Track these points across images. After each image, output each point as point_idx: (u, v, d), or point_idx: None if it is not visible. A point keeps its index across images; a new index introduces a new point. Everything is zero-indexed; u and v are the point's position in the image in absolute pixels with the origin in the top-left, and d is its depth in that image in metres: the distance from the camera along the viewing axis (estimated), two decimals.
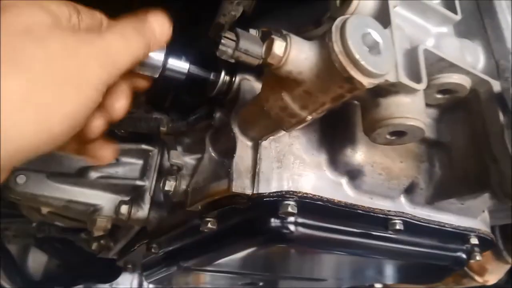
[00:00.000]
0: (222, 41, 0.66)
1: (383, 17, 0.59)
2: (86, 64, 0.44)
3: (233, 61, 0.72)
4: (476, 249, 0.87)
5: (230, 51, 0.68)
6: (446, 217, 0.82)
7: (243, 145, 0.68)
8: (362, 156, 0.69)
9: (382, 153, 0.71)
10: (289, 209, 0.64)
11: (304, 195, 0.66)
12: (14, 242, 1.59)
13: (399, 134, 0.59)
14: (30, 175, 0.82)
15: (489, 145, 0.67)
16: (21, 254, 1.79)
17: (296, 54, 0.51)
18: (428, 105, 0.73)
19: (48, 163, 0.85)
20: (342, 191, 0.71)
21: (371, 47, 0.51)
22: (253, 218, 0.70)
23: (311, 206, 0.68)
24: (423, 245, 0.82)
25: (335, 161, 0.70)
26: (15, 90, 0.38)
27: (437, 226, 0.80)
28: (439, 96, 0.70)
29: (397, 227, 0.74)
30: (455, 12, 0.71)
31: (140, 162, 0.90)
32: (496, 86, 0.68)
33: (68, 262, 1.72)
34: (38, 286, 1.70)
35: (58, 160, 0.87)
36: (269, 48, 0.52)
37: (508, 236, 1.32)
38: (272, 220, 0.68)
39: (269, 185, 0.66)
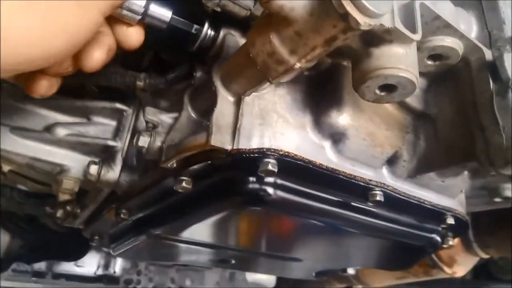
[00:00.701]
0: None
1: None
2: None
3: (219, 9, 0.68)
4: (450, 233, 0.86)
5: None
6: (425, 193, 0.80)
7: (225, 100, 0.65)
8: (348, 119, 0.67)
9: (368, 117, 0.69)
10: (269, 167, 0.61)
11: (286, 153, 0.63)
12: None
13: (389, 89, 0.56)
14: None
15: (477, 114, 0.65)
16: None
17: None
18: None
19: (12, 116, 0.79)
20: (325, 154, 0.68)
21: None
22: (230, 177, 0.66)
23: (291, 167, 0.64)
24: (401, 222, 0.80)
25: (320, 123, 0.67)
26: None
27: (416, 202, 0.78)
28: (429, 62, 0.68)
29: (377, 198, 0.72)
30: None
31: (114, 123, 0.85)
32: (488, 54, 0.67)
33: (32, 241, 1.64)
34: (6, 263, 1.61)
35: (23, 114, 0.81)
36: None
37: (479, 228, 1.33)
38: (251, 179, 0.64)
39: (250, 141, 0.62)
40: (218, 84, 0.65)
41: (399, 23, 0.51)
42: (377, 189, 0.72)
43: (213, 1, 0.64)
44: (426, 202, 0.80)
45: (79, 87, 0.82)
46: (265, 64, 0.56)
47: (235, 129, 0.62)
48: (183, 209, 0.74)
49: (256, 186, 0.64)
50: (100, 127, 0.84)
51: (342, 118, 0.67)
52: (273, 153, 0.62)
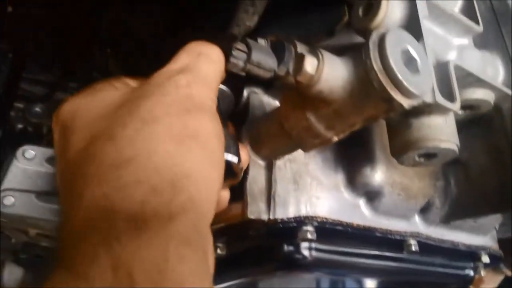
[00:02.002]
0: (234, 53, 0.61)
1: (412, 29, 0.55)
2: None
3: (243, 74, 0.67)
4: (483, 267, 0.85)
5: (241, 63, 0.63)
6: (458, 235, 0.79)
7: (256, 165, 0.63)
8: (382, 176, 0.66)
9: (401, 172, 0.68)
10: (308, 236, 0.60)
11: (324, 220, 0.62)
12: None
13: (429, 156, 0.55)
14: (17, 195, 0.74)
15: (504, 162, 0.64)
16: None
17: (329, 72, 0.47)
18: None
19: (35, 181, 0.78)
20: (360, 212, 0.67)
21: (409, 64, 0.47)
22: (266, 245, 0.65)
23: (328, 230, 0.63)
24: (435, 265, 0.79)
25: (353, 182, 0.66)
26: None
27: (450, 246, 0.77)
28: (461, 112, 0.67)
29: (413, 248, 0.71)
30: (476, 22, 0.68)
31: None
32: None
33: (45, 276, 1.64)
34: None
35: (45, 178, 0.79)
36: (299, 66, 0.47)
37: (507, 250, 1.32)
38: (285, 246, 0.63)
39: (287, 209, 0.61)
40: (248, 148, 0.64)
41: (439, 97, 0.50)
42: (411, 239, 0.71)
43: (239, 67, 0.63)
44: (460, 245, 0.79)
45: None
46: (300, 137, 0.55)
47: (269, 197, 0.61)
48: (216, 270, 0.73)
49: (291, 249, 0.64)
50: None
51: (376, 176, 0.65)
52: (311, 221, 0.61)
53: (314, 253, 0.64)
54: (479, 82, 0.61)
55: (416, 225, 0.74)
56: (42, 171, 0.79)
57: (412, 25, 0.55)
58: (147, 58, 1.26)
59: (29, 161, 0.78)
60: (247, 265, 0.68)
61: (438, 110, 0.52)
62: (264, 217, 0.60)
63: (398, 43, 0.46)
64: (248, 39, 0.64)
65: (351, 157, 0.67)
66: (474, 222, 0.79)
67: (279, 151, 0.61)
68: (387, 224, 0.69)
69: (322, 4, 0.72)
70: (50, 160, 0.80)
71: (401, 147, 0.54)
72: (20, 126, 1.63)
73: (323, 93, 0.48)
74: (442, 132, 0.52)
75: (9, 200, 0.73)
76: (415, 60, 0.47)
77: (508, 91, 0.64)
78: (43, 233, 0.81)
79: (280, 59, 0.66)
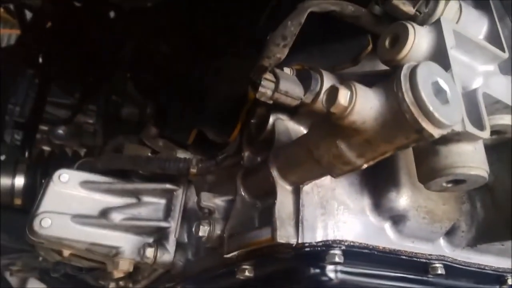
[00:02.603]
0: (262, 83, 0.64)
1: (439, 59, 0.57)
2: None
3: (271, 102, 0.69)
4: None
5: (269, 92, 0.65)
6: (485, 258, 0.79)
7: (283, 190, 0.65)
8: (408, 201, 0.67)
9: (426, 196, 0.69)
10: (336, 259, 0.61)
11: (351, 243, 0.63)
12: (17, 276, 1.53)
13: (457, 182, 0.56)
14: (54, 217, 0.77)
15: None
16: (20, 284, 1.74)
17: (362, 103, 0.48)
18: None
19: (70, 204, 0.81)
20: (385, 236, 0.68)
21: (439, 96, 0.48)
22: (293, 268, 0.66)
23: (354, 253, 0.64)
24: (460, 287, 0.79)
25: (379, 206, 0.67)
26: None
27: (477, 269, 0.77)
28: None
29: (438, 271, 0.71)
30: (502, 49, 0.69)
31: (163, 201, 0.86)
32: None
33: None
34: None
35: (79, 201, 0.82)
36: (333, 98, 0.48)
37: None
38: (311, 268, 0.64)
39: (315, 233, 0.62)
40: (275, 174, 0.65)
41: (469, 126, 0.51)
42: (437, 262, 0.72)
43: (267, 96, 0.65)
44: (486, 268, 0.78)
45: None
46: (330, 164, 0.56)
47: (297, 221, 0.63)
48: None
49: (317, 272, 0.64)
50: (151, 207, 0.85)
51: (401, 201, 0.66)
52: (338, 244, 0.62)
53: (340, 275, 0.65)
54: (507, 108, 0.62)
55: (441, 248, 0.75)
56: (76, 194, 0.82)
57: (440, 56, 0.57)
58: (165, 82, 1.30)
59: (64, 185, 0.81)
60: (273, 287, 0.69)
61: (467, 138, 0.53)
62: (293, 241, 0.61)
63: (428, 75, 0.47)
64: (276, 69, 0.66)
65: (377, 181, 0.68)
66: (501, 245, 0.78)
67: (307, 177, 0.63)
68: (412, 247, 0.70)
69: (346, 33, 0.75)
70: (83, 184, 0.83)
71: (429, 174, 0.55)
72: (44, 147, 1.68)
73: (356, 123, 0.49)
74: (471, 159, 0.53)
75: (46, 222, 0.77)
76: (444, 91, 0.48)
77: None
78: (77, 254, 0.83)
79: (306, 87, 0.69)
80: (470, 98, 0.57)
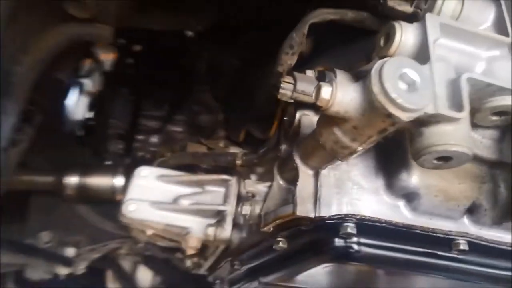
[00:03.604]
0: (282, 85, 0.77)
1: (422, 52, 0.65)
2: None
3: (292, 101, 0.82)
4: None
5: (289, 93, 0.79)
6: None
7: (305, 174, 0.78)
8: (417, 180, 0.74)
9: (438, 175, 0.75)
10: (349, 230, 0.71)
11: (362, 217, 0.73)
12: (126, 259, 1.84)
13: (446, 159, 0.63)
14: (137, 203, 1.00)
15: None
16: (131, 269, 2.06)
17: (342, 96, 0.60)
18: (486, 126, 0.76)
19: (150, 193, 1.03)
20: (400, 213, 0.76)
21: (410, 84, 0.57)
22: (318, 239, 0.78)
23: (372, 228, 0.74)
24: (498, 267, 0.82)
25: (392, 186, 0.76)
26: None
27: (508, 248, 0.80)
28: (494, 118, 0.72)
29: (461, 247, 0.76)
30: (506, 34, 0.73)
31: (223, 189, 1.03)
32: None
33: (169, 279, 1.94)
34: None
35: (157, 190, 1.04)
36: (318, 93, 0.61)
37: None
38: (336, 240, 0.75)
39: (330, 208, 0.74)
40: (298, 161, 0.78)
41: (442, 108, 0.59)
42: (459, 239, 0.77)
43: (287, 96, 0.78)
44: None
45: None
46: (332, 149, 0.68)
47: (316, 199, 0.75)
48: (284, 263, 0.87)
49: (342, 244, 0.75)
50: (213, 194, 1.03)
51: (412, 180, 0.74)
52: (351, 218, 0.72)
53: (363, 248, 0.75)
54: (504, 90, 0.67)
55: (466, 226, 0.80)
56: (153, 185, 1.04)
57: (422, 49, 0.65)
58: (236, 88, 1.48)
59: (144, 178, 1.03)
60: (307, 257, 0.81)
61: (445, 119, 0.60)
62: (311, 215, 0.74)
63: (395, 69, 0.57)
64: (295, 72, 0.80)
65: (390, 164, 0.77)
66: None
67: (321, 161, 0.75)
68: (430, 223, 0.76)
69: (361, 35, 0.85)
70: (159, 177, 1.05)
71: (416, 153, 0.63)
72: (141, 154, 1.98)
73: (340, 113, 0.61)
74: (451, 137, 0.61)
75: (132, 207, 0.99)
76: (414, 80, 0.57)
77: None
78: (156, 233, 1.05)
79: None
80: (456, 84, 0.64)
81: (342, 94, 0.60)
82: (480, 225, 0.80)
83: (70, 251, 1.35)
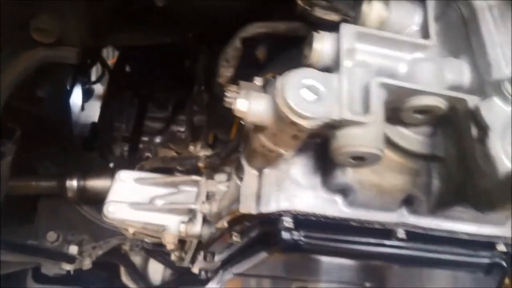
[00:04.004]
0: (227, 94, 0.84)
1: (337, 60, 0.71)
2: None
3: None
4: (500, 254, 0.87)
5: (233, 101, 0.86)
6: (461, 225, 0.86)
7: (250, 174, 0.85)
8: (350, 176, 0.79)
9: (371, 171, 0.80)
10: (285, 224, 0.78)
11: (297, 212, 0.79)
12: (138, 255, 1.97)
13: (361, 158, 0.69)
14: (117, 205, 1.10)
15: (464, 158, 0.72)
16: (143, 264, 2.19)
17: (255, 108, 0.67)
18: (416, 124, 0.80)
19: (128, 195, 1.12)
20: (337, 207, 0.82)
21: (315, 93, 0.63)
22: (266, 232, 0.85)
23: (311, 222, 0.80)
24: (437, 251, 0.87)
25: (328, 182, 0.82)
26: None
27: (447, 234, 0.84)
28: (419, 116, 0.76)
29: (399, 235, 0.82)
30: (427, 37, 0.77)
31: (195, 189, 1.12)
32: (475, 101, 0.72)
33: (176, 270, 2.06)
34: None
35: (136, 191, 1.13)
36: (235, 106, 0.68)
37: None
38: (283, 232, 0.82)
39: (269, 205, 0.81)
40: (244, 162, 0.86)
41: (345, 113, 0.65)
42: (396, 228, 0.82)
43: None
44: (460, 233, 0.85)
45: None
46: (262, 152, 0.75)
47: (257, 197, 0.82)
48: (243, 255, 0.95)
49: (288, 237, 0.82)
50: (187, 194, 1.12)
51: (344, 177, 0.80)
52: (287, 213, 0.79)
53: (307, 240, 0.82)
54: (418, 92, 0.71)
55: (404, 216, 0.84)
56: (132, 187, 1.14)
57: (336, 57, 0.71)
58: None
59: (123, 181, 1.13)
60: (259, 248, 0.88)
61: (352, 123, 0.66)
62: (253, 212, 0.81)
63: (298, 80, 0.63)
64: (241, 81, 0.86)
65: (327, 162, 0.83)
66: (477, 213, 0.84)
67: (261, 163, 0.82)
68: (367, 216, 0.82)
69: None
70: (137, 180, 1.14)
71: (332, 153, 0.69)
72: (147, 154, 2.08)
73: (256, 122, 0.68)
74: (360, 140, 0.66)
75: (112, 208, 1.09)
76: (317, 89, 0.63)
77: (454, 94, 0.72)
78: (138, 231, 1.15)
79: (265, 92, 0.87)
80: (367, 88, 0.69)
81: (255, 106, 0.66)
82: (418, 215, 0.84)
83: (73, 249, 1.48)
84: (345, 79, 0.68)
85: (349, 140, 0.67)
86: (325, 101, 0.63)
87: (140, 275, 2.11)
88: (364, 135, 0.67)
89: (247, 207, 0.81)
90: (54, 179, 1.50)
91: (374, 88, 0.68)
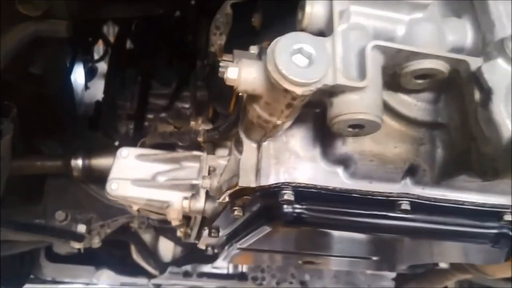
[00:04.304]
0: (221, 64, 0.82)
1: (330, 25, 0.67)
2: None
3: None
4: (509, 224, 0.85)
5: None
6: (467, 195, 0.83)
7: (249, 147, 0.83)
8: (351, 146, 0.77)
9: (372, 141, 0.78)
10: (286, 197, 0.77)
11: (298, 184, 0.78)
12: (148, 232, 1.99)
13: (359, 126, 0.66)
14: (119, 182, 1.10)
15: (468, 124, 0.68)
16: (153, 242, 2.22)
17: (246, 76, 0.64)
18: (418, 90, 0.77)
19: (130, 172, 1.12)
20: (339, 178, 0.80)
21: (308, 58, 0.61)
22: (265, 206, 0.84)
23: (311, 194, 0.79)
24: (443, 223, 0.85)
25: (327, 153, 0.80)
26: None
27: (453, 205, 0.82)
28: (419, 81, 0.73)
29: (403, 207, 0.80)
30: None
31: (197, 165, 1.11)
32: (478, 62, 0.68)
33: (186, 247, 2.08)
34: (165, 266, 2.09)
35: (138, 168, 1.13)
36: (226, 74, 0.65)
37: None
38: (284, 206, 0.80)
39: (268, 178, 0.79)
40: (242, 135, 0.84)
41: (340, 79, 0.62)
42: (400, 199, 0.80)
43: None
44: (466, 203, 0.83)
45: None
46: (258, 124, 0.73)
47: (257, 170, 0.80)
48: (246, 229, 0.94)
49: (290, 210, 0.81)
50: (189, 169, 1.11)
51: (346, 147, 0.78)
52: (287, 186, 0.78)
53: (310, 213, 0.80)
54: (417, 54, 0.68)
55: (408, 186, 0.82)
56: (134, 164, 1.13)
57: (330, 20, 0.67)
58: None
59: (125, 158, 1.13)
60: (262, 222, 0.87)
61: (347, 89, 0.63)
62: (252, 185, 0.80)
63: (289, 45, 0.60)
64: (235, 50, 0.84)
65: (326, 133, 0.80)
66: (483, 182, 0.81)
67: (259, 135, 0.80)
68: (370, 187, 0.80)
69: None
70: (138, 156, 1.14)
71: (329, 122, 0.67)
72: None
73: (248, 91, 0.65)
74: (356, 106, 0.63)
75: (114, 186, 1.09)
76: (310, 54, 0.60)
77: (455, 56, 0.68)
78: (141, 208, 1.15)
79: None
80: (362, 52, 0.66)
81: (246, 73, 0.64)
82: (422, 185, 0.82)
83: (81, 228, 1.50)
84: (339, 42, 0.65)
85: (346, 107, 0.64)
86: (318, 66, 0.60)
87: (150, 252, 2.15)
88: (361, 101, 0.64)
89: (247, 180, 0.80)
90: (59, 159, 1.50)
91: (370, 52, 0.65)
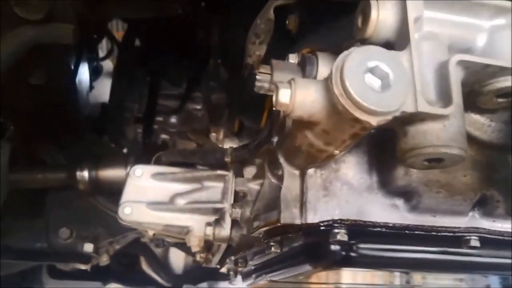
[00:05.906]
0: (257, 77, 0.69)
1: (404, 33, 0.55)
2: None
3: (272, 93, 0.75)
4: None
5: (266, 85, 0.71)
6: None
7: (290, 174, 0.71)
8: (414, 177, 0.65)
9: (439, 169, 0.66)
10: (339, 237, 0.65)
11: (353, 222, 0.66)
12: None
13: (437, 160, 0.54)
14: (133, 206, 0.98)
15: None
16: (164, 252, 2.10)
17: (302, 99, 0.52)
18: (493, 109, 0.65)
19: (145, 193, 1.00)
20: (398, 213, 0.68)
21: (382, 79, 0.48)
22: (312, 243, 0.72)
23: (368, 232, 0.67)
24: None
25: (387, 183, 0.68)
26: None
27: None
28: (501, 100, 0.61)
29: (471, 243, 0.68)
30: None
31: (220, 184, 0.99)
32: None
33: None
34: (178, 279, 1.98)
35: (153, 188, 1.01)
36: (276, 97, 0.53)
37: None
38: (332, 245, 0.69)
39: (316, 214, 0.67)
40: (282, 160, 0.72)
41: (423, 105, 0.50)
42: (469, 235, 0.69)
43: (264, 88, 0.71)
44: None
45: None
46: (308, 152, 0.61)
47: (301, 203, 0.68)
48: (282, 265, 0.83)
49: (338, 248, 0.69)
50: (211, 190, 0.99)
51: (408, 177, 0.66)
52: (340, 224, 0.66)
53: (361, 251, 0.69)
54: (505, 70, 0.56)
55: (476, 219, 0.71)
56: (149, 184, 1.01)
57: (404, 30, 0.55)
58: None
59: (139, 178, 1.01)
60: (303, 261, 0.76)
61: (429, 116, 0.51)
62: (297, 222, 0.67)
63: (362, 62, 0.48)
64: (273, 60, 0.71)
65: (385, 158, 0.68)
66: None
67: (304, 162, 0.68)
68: (434, 221, 0.68)
69: (350, 10, 0.74)
70: (154, 176, 1.01)
71: (401, 155, 0.55)
72: (163, 136, 1.93)
73: (304, 117, 0.53)
74: (438, 137, 0.51)
75: (128, 210, 0.97)
76: (385, 74, 0.48)
77: None
78: (158, 233, 1.03)
79: (303, 72, 0.72)
80: (445, 68, 0.53)
81: (302, 96, 0.52)
82: (493, 218, 0.71)
83: (88, 247, 1.37)
84: (416, 58, 0.52)
85: (425, 139, 0.52)
86: (397, 90, 0.48)
87: (161, 265, 2.04)
88: (444, 131, 0.52)
89: (290, 216, 0.68)
90: (63, 171, 1.37)
91: (453, 69, 0.53)
